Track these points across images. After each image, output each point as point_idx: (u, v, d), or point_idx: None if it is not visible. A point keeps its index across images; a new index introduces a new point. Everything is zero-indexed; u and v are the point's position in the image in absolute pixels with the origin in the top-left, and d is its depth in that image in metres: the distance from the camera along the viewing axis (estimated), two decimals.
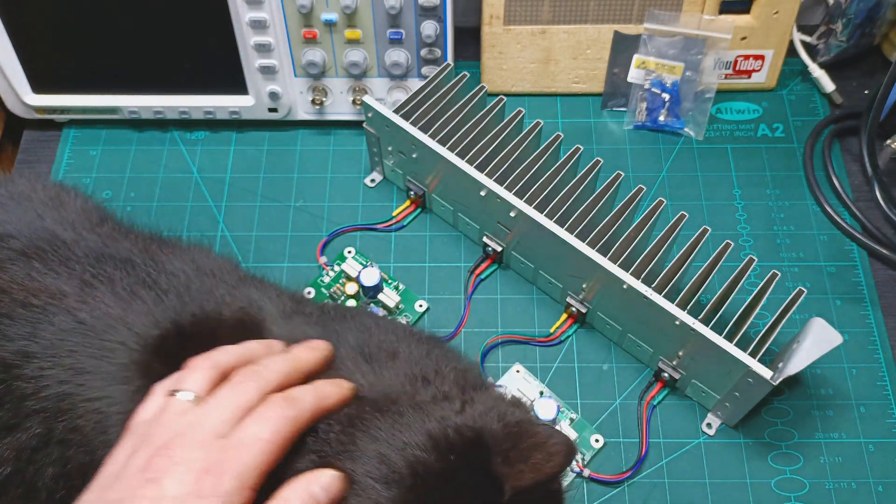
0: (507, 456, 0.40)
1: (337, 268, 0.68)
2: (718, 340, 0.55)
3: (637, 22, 0.74)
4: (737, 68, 0.77)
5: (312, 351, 0.46)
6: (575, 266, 0.61)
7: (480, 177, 0.63)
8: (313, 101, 0.73)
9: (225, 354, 0.44)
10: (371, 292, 0.65)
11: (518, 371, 0.63)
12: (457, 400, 0.43)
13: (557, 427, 0.60)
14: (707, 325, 0.56)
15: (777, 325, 0.57)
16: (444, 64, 0.69)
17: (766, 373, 0.54)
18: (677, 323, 0.56)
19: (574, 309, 0.64)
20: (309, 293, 0.66)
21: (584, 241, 0.59)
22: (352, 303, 0.66)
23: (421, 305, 0.66)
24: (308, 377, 0.44)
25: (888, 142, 0.73)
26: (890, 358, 0.64)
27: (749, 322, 0.57)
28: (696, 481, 0.59)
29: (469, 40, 0.80)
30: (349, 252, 0.69)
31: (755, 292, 0.59)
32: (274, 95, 0.72)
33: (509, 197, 0.62)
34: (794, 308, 0.57)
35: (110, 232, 0.54)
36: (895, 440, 0.61)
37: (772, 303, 0.58)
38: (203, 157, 0.75)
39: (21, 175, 0.62)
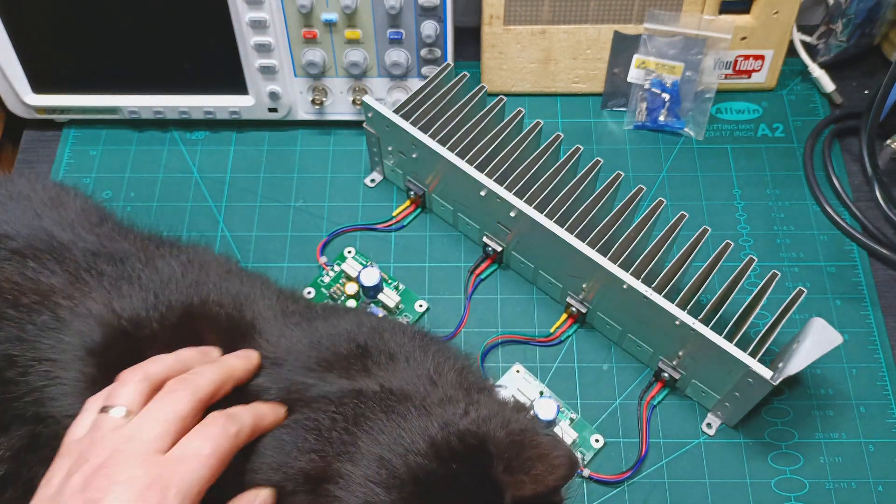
0: (509, 465, 0.40)
1: (337, 268, 0.68)
2: (718, 340, 0.55)
3: (637, 22, 0.74)
4: (737, 68, 0.77)
5: (243, 359, 0.46)
6: (575, 266, 0.61)
7: (480, 177, 0.62)
8: (313, 101, 0.73)
9: (157, 364, 0.43)
10: (371, 292, 0.65)
11: (518, 371, 0.63)
12: (461, 402, 0.43)
13: (557, 427, 0.60)
14: (707, 325, 0.56)
15: (777, 325, 0.57)
16: (444, 64, 0.69)
17: (766, 373, 0.54)
18: (677, 323, 0.56)
19: (574, 309, 0.64)
20: (309, 293, 0.67)
21: (584, 241, 0.59)
22: (352, 303, 0.66)
23: (421, 305, 0.66)
24: (237, 384, 0.44)
25: (888, 142, 0.73)
26: (890, 358, 0.64)
27: (749, 322, 0.57)
28: (696, 481, 0.59)
29: (469, 40, 0.80)
30: (349, 252, 0.69)
31: (755, 292, 0.59)
32: (274, 95, 0.72)
33: (509, 197, 0.62)
34: (794, 308, 0.57)
35: (110, 232, 0.54)
36: (895, 440, 0.61)
37: (772, 303, 0.58)
38: (203, 157, 0.75)
39: (21, 175, 0.62)
